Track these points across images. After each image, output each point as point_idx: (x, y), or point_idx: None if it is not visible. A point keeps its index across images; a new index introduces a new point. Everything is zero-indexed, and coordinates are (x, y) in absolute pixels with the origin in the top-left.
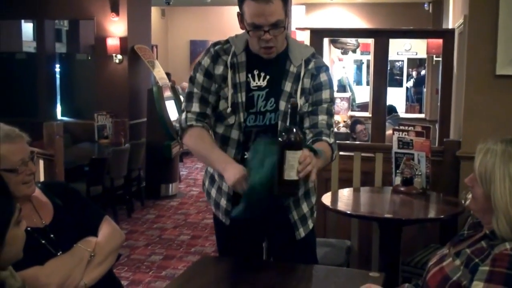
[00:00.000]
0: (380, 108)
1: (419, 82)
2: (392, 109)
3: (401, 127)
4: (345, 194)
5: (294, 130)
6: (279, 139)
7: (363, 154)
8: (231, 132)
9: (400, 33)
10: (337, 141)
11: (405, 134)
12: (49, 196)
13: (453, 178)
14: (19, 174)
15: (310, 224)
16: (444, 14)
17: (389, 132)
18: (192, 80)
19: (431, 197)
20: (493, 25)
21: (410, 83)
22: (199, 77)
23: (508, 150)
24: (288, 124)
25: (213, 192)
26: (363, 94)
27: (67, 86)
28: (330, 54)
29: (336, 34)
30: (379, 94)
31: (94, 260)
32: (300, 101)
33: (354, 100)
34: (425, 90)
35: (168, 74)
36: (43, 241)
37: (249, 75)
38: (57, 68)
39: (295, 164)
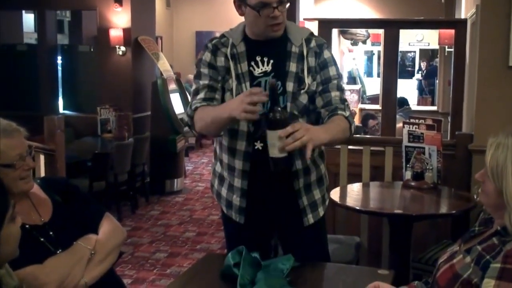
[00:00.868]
0: (391, 101)
1: (431, 73)
2: (404, 102)
3: (412, 120)
4: (354, 189)
5: (274, 109)
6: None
7: (372, 148)
8: (239, 124)
9: (410, 23)
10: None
11: (415, 127)
12: (48, 193)
13: (465, 173)
14: (16, 169)
15: (321, 211)
16: (457, 3)
17: (399, 125)
18: (197, 76)
19: (443, 192)
20: (506, 15)
21: (419, 76)
22: (204, 70)
23: None
24: (269, 104)
25: (224, 191)
26: (375, 86)
27: (69, 79)
28: (339, 45)
29: (345, 25)
30: (389, 86)
31: (94, 258)
32: (307, 80)
33: (364, 92)
34: (437, 81)
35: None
36: (42, 239)
37: (252, 63)
38: (59, 60)
39: (276, 142)
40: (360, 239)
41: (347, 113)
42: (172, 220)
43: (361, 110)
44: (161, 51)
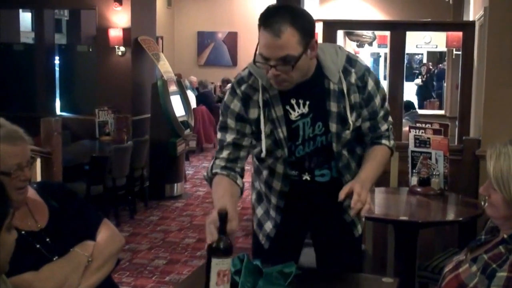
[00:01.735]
0: (396, 104)
1: (438, 76)
2: (410, 105)
3: (418, 125)
4: None
5: (220, 237)
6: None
7: None
8: (276, 166)
9: (417, 25)
10: None
11: (422, 132)
12: (44, 198)
13: (473, 179)
14: (12, 179)
15: (362, 223)
16: (465, 5)
17: (405, 129)
18: (222, 127)
19: (449, 199)
20: None
21: (419, 81)
22: (231, 122)
23: None
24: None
25: (259, 211)
26: None
27: (66, 80)
28: (344, 47)
29: (351, 26)
30: (395, 89)
31: (91, 265)
32: (351, 118)
33: None
34: (445, 85)
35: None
36: (38, 246)
37: (287, 107)
38: (57, 60)
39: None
40: (365, 246)
41: (391, 143)
42: (171, 226)
43: None
44: (162, 51)
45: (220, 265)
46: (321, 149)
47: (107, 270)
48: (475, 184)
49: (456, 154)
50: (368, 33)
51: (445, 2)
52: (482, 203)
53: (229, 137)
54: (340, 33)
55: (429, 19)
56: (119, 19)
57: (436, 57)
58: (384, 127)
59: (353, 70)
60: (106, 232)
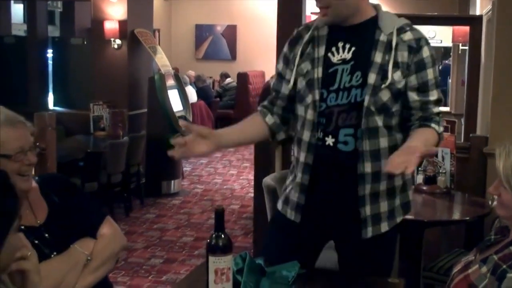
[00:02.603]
0: None
1: (443, 72)
2: None
3: None
4: None
5: (218, 235)
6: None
7: None
8: (307, 113)
9: (422, 19)
10: None
11: None
12: (45, 192)
13: (480, 177)
14: (15, 162)
15: (384, 226)
16: None
17: None
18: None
19: (456, 197)
20: None
21: None
22: (278, 66)
23: None
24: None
25: (290, 187)
26: None
27: (60, 73)
28: None
29: None
30: None
31: (90, 264)
32: (394, 75)
33: None
34: (450, 81)
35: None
36: (37, 242)
37: (333, 49)
38: (50, 53)
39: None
40: None
41: (441, 130)
42: (168, 224)
43: None
44: (159, 44)
45: (218, 263)
46: (353, 106)
47: (106, 270)
48: (483, 182)
49: (463, 152)
50: None
51: None
52: (490, 202)
53: (273, 84)
54: None
55: (435, 13)
56: (114, 11)
57: (440, 52)
58: (435, 109)
59: (409, 31)
60: (108, 230)
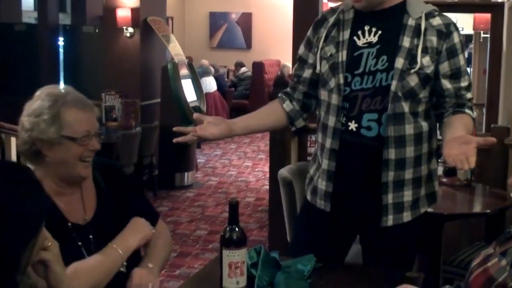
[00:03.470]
0: None
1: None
2: None
3: None
4: None
5: (232, 228)
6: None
7: None
8: (331, 97)
9: (443, 6)
10: None
11: None
12: (97, 179)
13: (501, 169)
14: (79, 146)
15: (406, 216)
16: None
17: None
18: (297, 58)
19: (477, 190)
20: None
21: None
22: (301, 50)
23: None
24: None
25: (316, 176)
26: None
27: (71, 62)
28: None
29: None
30: None
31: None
32: (423, 60)
33: None
34: (471, 70)
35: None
36: (80, 243)
37: (358, 32)
38: (61, 41)
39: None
40: None
41: (474, 114)
42: (182, 217)
43: None
44: (172, 33)
45: (231, 257)
46: (378, 90)
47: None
48: (504, 174)
49: None
50: None
51: None
52: None
53: (296, 69)
54: None
55: (456, 0)
56: None
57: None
58: (468, 95)
59: (438, 16)
60: (163, 237)
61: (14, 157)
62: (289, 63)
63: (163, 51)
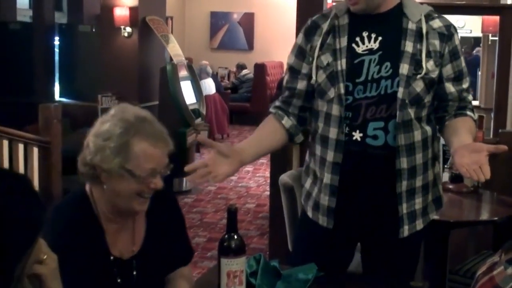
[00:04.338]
0: None
1: (472, 64)
2: None
3: None
4: None
5: (231, 236)
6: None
7: None
8: (332, 108)
9: (450, 8)
10: None
11: None
12: (151, 211)
13: (509, 175)
14: (139, 184)
15: (419, 224)
16: None
17: None
18: (287, 68)
19: (484, 197)
20: None
21: None
22: (290, 61)
23: None
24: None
25: (315, 190)
26: None
27: (67, 62)
28: None
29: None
30: None
31: None
32: (427, 64)
33: None
34: (479, 73)
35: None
36: (119, 280)
37: (357, 39)
38: (56, 41)
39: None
40: None
41: (475, 116)
42: None
43: None
44: (172, 33)
45: (230, 266)
46: (383, 98)
47: None
48: None
49: None
50: None
51: None
52: None
53: (287, 80)
54: None
55: (463, 2)
56: None
57: (470, 43)
58: (470, 97)
59: (437, 18)
60: (187, 278)
61: (35, 168)
62: None
63: (162, 52)
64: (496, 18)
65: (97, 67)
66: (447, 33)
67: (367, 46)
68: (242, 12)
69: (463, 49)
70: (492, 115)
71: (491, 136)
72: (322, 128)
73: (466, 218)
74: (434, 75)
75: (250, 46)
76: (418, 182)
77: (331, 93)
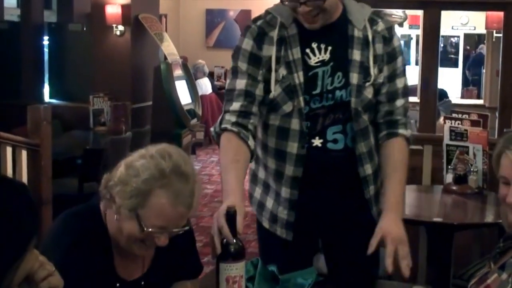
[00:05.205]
0: (430, 92)
1: (476, 62)
2: (443, 94)
3: (454, 115)
4: None
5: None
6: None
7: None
8: (291, 122)
9: (454, 4)
10: None
11: (458, 123)
12: None
13: None
14: (143, 237)
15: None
16: None
17: (440, 120)
18: (233, 72)
19: (489, 198)
20: None
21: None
22: (242, 65)
23: None
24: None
25: (269, 202)
26: (412, 75)
27: (57, 62)
28: None
29: (379, 5)
30: (429, 76)
31: None
32: (374, 70)
33: None
34: (484, 71)
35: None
36: None
37: (307, 50)
38: (46, 40)
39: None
40: None
41: (408, 133)
42: None
43: None
44: (166, 31)
45: (229, 271)
46: (340, 105)
47: None
48: None
49: None
50: (398, 12)
51: None
52: None
53: (240, 84)
54: None
55: None
56: None
57: (474, 40)
58: (400, 102)
59: (380, 20)
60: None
61: (24, 172)
62: None
63: (155, 51)
64: (501, 14)
65: (88, 67)
66: (388, 36)
67: (318, 58)
68: (239, 9)
69: (467, 48)
70: (497, 114)
71: (496, 135)
72: (276, 143)
73: (470, 220)
74: (381, 79)
75: None
76: (379, 182)
77: (287, 107)
